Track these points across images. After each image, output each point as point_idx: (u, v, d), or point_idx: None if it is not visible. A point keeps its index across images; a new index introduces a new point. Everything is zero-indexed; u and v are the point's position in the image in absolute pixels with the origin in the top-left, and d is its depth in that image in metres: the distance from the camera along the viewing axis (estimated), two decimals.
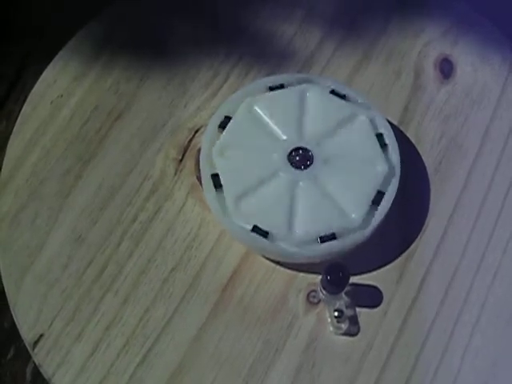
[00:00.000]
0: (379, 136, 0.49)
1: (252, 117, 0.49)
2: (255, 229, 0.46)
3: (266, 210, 0.46)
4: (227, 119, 0.49)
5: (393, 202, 0.47)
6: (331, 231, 0.46)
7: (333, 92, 0.50)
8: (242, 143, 0.49)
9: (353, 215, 0.46)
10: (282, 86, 0.50)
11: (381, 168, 0.47)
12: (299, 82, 0.51)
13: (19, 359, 0.49)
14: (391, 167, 0.48)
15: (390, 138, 0.49)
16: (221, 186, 0.47)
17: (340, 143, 0.49)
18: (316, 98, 0.50)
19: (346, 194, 0.47)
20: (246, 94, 0.50)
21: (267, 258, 0.47)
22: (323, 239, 0.46)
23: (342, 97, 0.50)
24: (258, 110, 0.49)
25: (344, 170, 0.48)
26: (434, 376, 0.44)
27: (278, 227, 0.46)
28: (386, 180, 0.47)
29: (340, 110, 0.49)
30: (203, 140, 0.49)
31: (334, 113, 0.49)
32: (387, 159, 0.48)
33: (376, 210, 0.47)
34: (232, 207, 0.46)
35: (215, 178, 0.47)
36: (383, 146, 0.49)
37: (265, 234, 0.45)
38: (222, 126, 0.49)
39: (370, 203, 0.47)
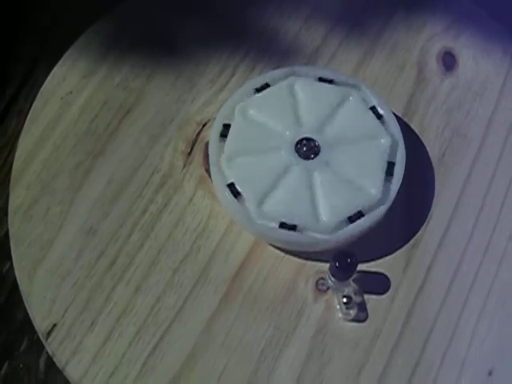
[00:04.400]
0: (373, 109, 0.50)
1: (249, 121, 0.50)
2: (283, 225, 0.46)
3: (289, 205, 0.47)
4: (227, 127, 0.49)
5: (399, 190, 0.48)
6: (357, 209, 0.47)
7: (320, 79, 0.51)
8: (247, 149, 0.49)
9: (372, 191, 0.47)
10: (267, 85, 0.51)
11: (384, 140, 0.49)
12: (284, 77, 0.51)
13: (32, 351, 0.49)
14: (393, 137, 0.49)
15: (383, 109, 0.50)
16: (239, 194, 0.47)
17: (340, 126, 0.50)
18: (305, 89, 0.51)
19: (359, 172, 0.48)
20: (236, 100, 0.50)
21: (276, 247, 0.48)
22: (352, 218, 0.47)
23: (330, 81, 0.51)
24: (253, 114, 0.50)
25: (351, 151, 0.49)
26: (442, 361, 0.45)
27: (305, 218, 0.46)
28: (392, 150, 0.49)
29: (330, 94, 0.50)
30: (210, 153, 0.49)
31: (326, 99, 0.50)
32: (388, 130, 0.49)
33: (390, 181, 0.48)
34: (255, 211, 0.47)
35: (231, 186, 0.48)
36: (379, 117, 0.50)
37: (293, 228, 0.46)
38: (224, 134, 0.49)
39: (385, 175, 0.48)
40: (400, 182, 0.48)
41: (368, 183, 0.48)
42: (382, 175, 0.48)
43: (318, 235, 0.46)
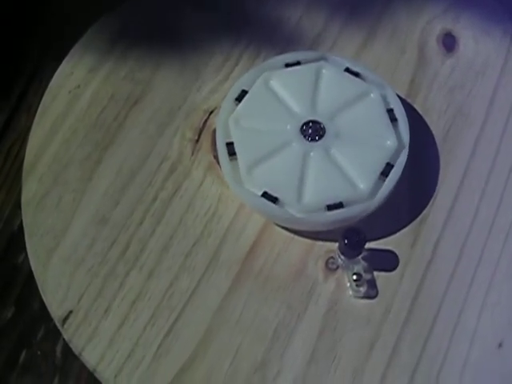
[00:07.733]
0: (390, 111, 0.50)
1: (268, 91, 0.51)
2: (265, 195, 0.47)
3: (277, 177, 0.48)
4: (244, 92, 0.51)
5: (402, 172, 0.48)
6: (339, 200, 0.47)
7: (347, 70, 0.52)
8: (257, 114, 0.50)
9: (361, 186, 0.48)
10: (298, 63, 0.52)
11: (391, 142, 0.49)
12: (315, 60, 0.52)
13: (49, 339, 0.50)
14: (401, 141, 0.49)
15: (399, 114, 0.50)
16: (235, 153, 0.49)
17: (352, 118, 0.50)
18: (331, 75, 0.51)
19: (355, 165, 0.48)
20: (264, 69, 0.52)
21: (285, 228, 0.48)
22: (330, 207, 0.47)
23: (356, 74, 0.52)
24: (274, 85, 0.51)
25: (355, 143, 0.49)
26: (452, 334, 0.46)
27: (288, 194, 0.47)
28: (396, 153, 0.49)
29: (353, 87, 0.51)
30: (220, 111, 0.51)
31: (348, 90, 0.51)
32: (397, 134, 0.49)
33: (384, 181, 0.48)
34: (245, 174, 0.48)
35: (230, 146, 0.49)
36: (393, 120, 0.50)
37: (274, 200, 0.47)
38: (239, 99, 0.51)
39: (379, 175, 0.48)
40: (393, 185, 0.48)
41: (359, 177, 0.48)
42: (376, 173, 0.48)
43: (295, 213, 0.47)
